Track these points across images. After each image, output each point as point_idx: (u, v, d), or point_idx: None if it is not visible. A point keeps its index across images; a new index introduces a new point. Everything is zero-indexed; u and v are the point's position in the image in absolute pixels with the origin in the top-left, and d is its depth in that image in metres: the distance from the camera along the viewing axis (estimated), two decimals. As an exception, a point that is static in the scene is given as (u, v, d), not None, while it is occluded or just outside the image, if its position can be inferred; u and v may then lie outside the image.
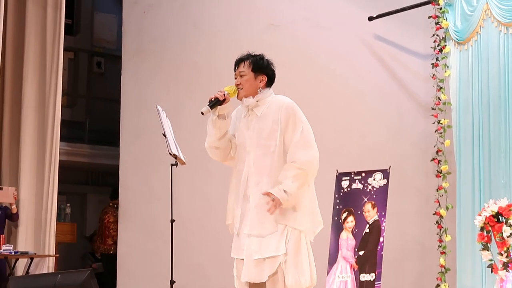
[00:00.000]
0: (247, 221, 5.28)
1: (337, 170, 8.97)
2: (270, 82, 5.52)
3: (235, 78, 5.51)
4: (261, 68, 5.47)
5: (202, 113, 5.42)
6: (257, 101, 5.40)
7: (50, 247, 10.52)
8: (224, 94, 5.35)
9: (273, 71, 5.56)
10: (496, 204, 9.44)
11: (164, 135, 7.09)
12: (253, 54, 5.55)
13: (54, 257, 10.70)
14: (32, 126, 10.80)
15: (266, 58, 5.56)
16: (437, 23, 10.78)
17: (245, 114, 5.47)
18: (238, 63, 5.52)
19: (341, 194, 9.03)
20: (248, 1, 11.49)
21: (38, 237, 10.58)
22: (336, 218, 9.01)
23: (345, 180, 9.00)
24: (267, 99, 5.42)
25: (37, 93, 10.87)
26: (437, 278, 10.17)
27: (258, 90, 5.44)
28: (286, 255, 5.12)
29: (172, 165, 7.19)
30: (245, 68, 5.46)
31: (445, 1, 10.74)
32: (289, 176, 5.13)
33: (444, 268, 10.26)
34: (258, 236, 5.19)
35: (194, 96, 11.18)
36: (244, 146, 5.44)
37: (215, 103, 5.36)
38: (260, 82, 5.45)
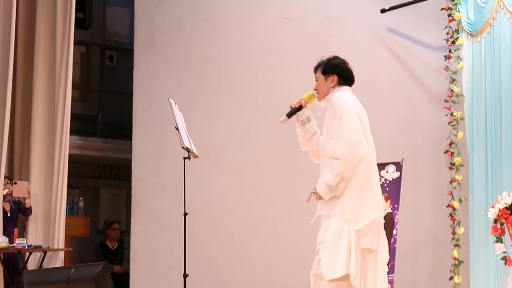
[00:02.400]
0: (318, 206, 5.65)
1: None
2: (343, 80, 5.60)
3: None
4: (330, 69, 5.58)
5: (281, 122, 5.60)
6: (327, 103, 5.52)
7: (60, 241, 10.55)
8: (300, 102, 5.50)
9: (344, 68, 5.65)
10: (509, 196, 9.44)
11: (177, 128, 7.10)
12: (324, 59, 5.66)
13: (66, 251, 10.73)
14: (42, 119, 10.81)
15: (338, 58, 5.66)
16: (449, 15, 10.77)
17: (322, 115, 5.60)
18: (314, 70, 5.70)
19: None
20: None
21: (48, 231, 10.60)
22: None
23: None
24: (333, 98, 5.49)
25: (47, 86, 10.88)
26: (450, 271, 10.18)
27: (330, 90, 5.54)
28: (322, 243, 5.27)
29: (184, 158, 7.21)
30: (318, 73, 5.63)
31: (457, -6, 10.75)
32: (328, 167, 5.33)
33: (458, 260, 10.27)
34: (326, 218, 5.48)
35: (206, 89, 11.21)
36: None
37: (293, 111, 5.53)
38: (331, 82, 5.56)
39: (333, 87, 5.53)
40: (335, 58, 5.66)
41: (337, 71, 5.58)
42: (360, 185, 5.36)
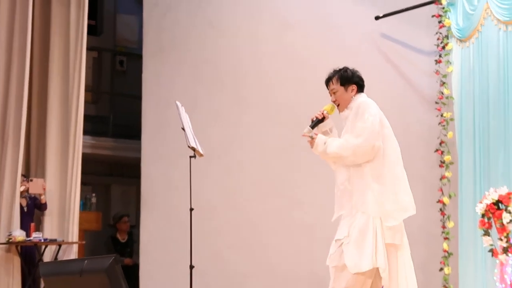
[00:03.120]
0: (336, 206, 5.63)
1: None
2: (360, 88, 5.63)
3: (330, 96, 5.65)
4: (348, 79, 5.59)
5: (306, 134, 5.54)
6: (350, 111, 5.54)
7: (74, 235, 10.57)
8: (322, 113, 5.49)
9: (360, 77, 5.68)
10: (496, 192, 9.46)
11: (183, 129, 7.13)
12: (337, 69, 5.65)
13: (80, 244, 10.76)
14: (57, 120, 10.84)
15: (350, 68, 5.67)
16: (440, 22, 10.79)
17: (345, 124, 5.60)
18: (327, 82, 5.66)
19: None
20: (264, 1, 11.51)
21: (62, 225, 10.62)
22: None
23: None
24: (355, 105, 5.53)
25: (62, 89, 10.90)
26: (440, 262, 10.20)
27: (352, 98, 5.57)
28: (348, 238, 5.24)
29: (190, 157, 7.23)
30: (334, 85, 5.60)
31: (448, 0, 10.76)
32: (338, 142, 5.40)
33: (447, 252, 10.29)
34: (346, 217, 5.45)
35: (212, 92, 11.24)
36: None
37: (316, 122, 5.51)
38: (351, 92, 5.58)
39: (354, 95, 5.56)
40: (346, 69, 5.67)
41: (355, 80, 5.61)
42: (383, 184, 5.37)
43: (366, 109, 5.40)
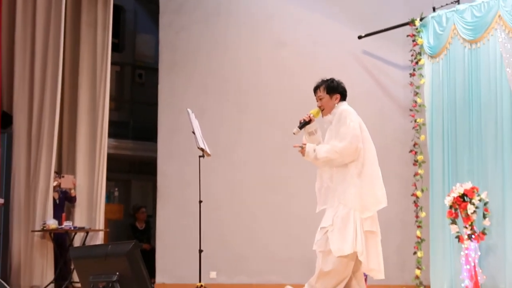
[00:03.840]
0: (321, 200, 5.64)
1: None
2: (343, 97, 5.62)
3: (317, 101, 5.61)
4: (334, 89, 5.59)
5: (294, 134, 5.52)
6: (333, 116, 5.53)
7: (100, 223, 10.58)
8: (309, 116, 5.44)
9: (344, 88, 5.67)
10: (462, 187, 9.49)
11: (193, 132, 7.13)
12: (325, 79, 5.64)
13: (104, 232, 10.77)
14: (85, 125, 10.85)
15: (335, 80, 5.65)
16: (414, 41, 10.77)
17: (327, 127, 5.59)
18: (315, 90, 5.64)
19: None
20: (262, 23, 11.49)
21: (90, 215, 10.63)
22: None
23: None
24: (338, 112, 5.53)
25: (89, 98, 10.91)
26: (414, 247, 10.19)
27: (336, 105, 5.56)
28: (332, 226, 5.22)
29: (200, 156, 7.23)
30: (321, 92, 5.58)
31: (420, 22, 10.74)
32: (326, 148, 5.37)
33: (420, 239, 10.27)
34: (330, 208, 5.45)
35: (218, 101, 11.25)
36: None
37: (303, 124, 5.49)
38: (335, 100, 5.57)
39: (337, 103, 5.54)
40: (333, 80, 5.66)
41: (339, 90, 5.60)
42: (362, 181, 5.37)
43: (348, 116, 5.42)
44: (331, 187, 5.42)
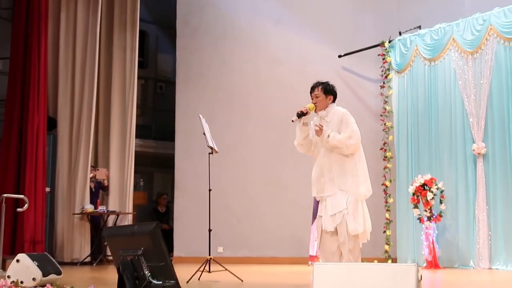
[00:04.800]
0: (320, 188, 5.34)
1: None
2: (335, 99, 5.46)
3: (312, 99, 5.44)
4: (329, 91, 5.42)
5: (293, 121, 5.35)
6: (327, 113, 5.37)
7: (129, 208, 10.59)
8: (306, 109, 5.33)
9: (336, 92, 5.50)
10: (422, 178, 9.51)
11: (204, 134, 7.12)
12: (322, 82, 5.48)
13: (132, 214, 10.77)
14: (117, 128, 10.86)
15: (330, 84, 5.49)
16: (383, 59, 10.77)
17: (318, 122, 5.39)
18: (313, 88, 5.46)
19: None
20: (261, 45, 11.47)
21: (121, 201, 10.64)
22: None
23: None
24: (332, 111, 5.39)
25: (120, 106, 10.92)
26: (384, 227, 10.18)
27: (328, 105, 5.40)
28: (347, 209, 5.10)
29: (209, 153, 7.22)
30: (318, 92, 5.40)
31: (389, 44, 10.74)
32: (340, 136, 5.19)
33: (388, 220, 10.27)
34: (328, 197, 5.24)
35: (225, 108, 11.26)
36: (318, 142, 5.38)
37: (300, 115, 5.30)
38: (329, 100, 5.41)
39: (330, 103, 5.42)
40: (329, 83, 5.49)
41: (333, 92, 5.44)
42: (358, 172, 5.27)
43: (351, 119, 5.32)
44: (329, 177, 5.30)
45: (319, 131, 5.19)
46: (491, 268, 8.93)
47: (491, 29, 9.37)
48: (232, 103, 11.33)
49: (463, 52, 9.67)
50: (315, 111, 5.39)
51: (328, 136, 5.18)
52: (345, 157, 5.26)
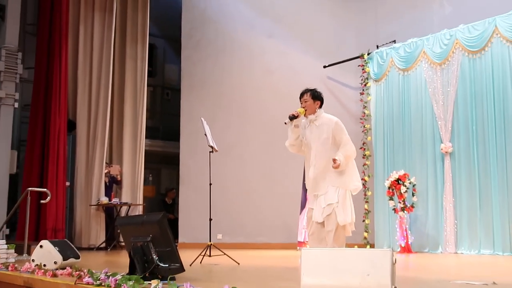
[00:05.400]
0: (313, 186, 5.26)
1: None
2: (321, 105, 5.37)
3: (301, 104, 5.34)
4: (317, 96, 5.33)
5: (285, 123, 5.29)
6: (316, 117, 5.30)
7: (139, 200, 10.58)
8: (297, 112, 5.28)
9: (323, 98, 5.40)
10: (397, 173, 9.51)
11: (205, 135, 7.11)
12: (310, 88, 5.39)
13: (142, 206, 10.75)
14: (129, 129, 10.85)
15: (318, 90, 5.40)
16: (363, 69, 10.79)
17: (308, 125, 5.34)
18: (302, 94, 5.37)
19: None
20: (256, 57, 11.48)
21: (132, 194, 10.63)
22: (304, 182, 9.01)
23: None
24: (321, 115, 5.31)
25: (132, 110, 10.91)
26: (363, 216, 10.20)
27: (316, 110, 5.31)
28: (337, 203, 5.07)
29: (210, 152, 7.22)
30: (307, 97, 5.31)
31: (367, 56, 10.75)
32: (343, 154, 5.09)
33: (367, 210, 10.29)
34: (322, 194, 5.17)
35: (225, 112, 11.25)
36: (309, 143, 5.31)
37: (292, 117, 5.24)
38: (317, 105, 5.32)
39: (318, 108, 5.34)
40: (317, 90, 5.41)
41: (321, 98, 5.35)
42: (352, 170, 5.25)
43: (343, 127, 5.27)
44: (324, 176, 5.18)
45: (337, 166, 5.11)
46: (456, 253, 8.96)
47: (457, 43, 9.39)
48: (231, 108, 11.33)
49: (432, 63, 9.69)
50: (305, 115, 5.35)
51: (340, 160, 5.12)
52: (333, 151, 5.23)
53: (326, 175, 5.19)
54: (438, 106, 9.53)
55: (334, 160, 5.05)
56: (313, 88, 5.44)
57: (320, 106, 5.37)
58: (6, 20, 9.56)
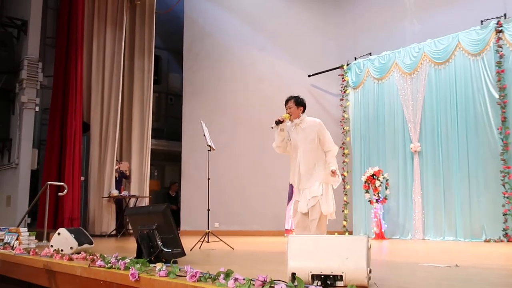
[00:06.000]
0: (301, 182, 5.20)
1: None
2: (304, 110, 5.30)
3: (286, 110, 5.28)
4: (300, 103, 5.26)
5: (272, 127, 5.20)
6: (300, 121, 5.24)
7: (146, 192, 10.53)
8: (283, 118, 5.24)
9: (305, 103, 5.32)
10: (372, 169, 9.54)
11: (204, 135, 7.10)
12: (294, 96, 5.31)
13: (148, 198, 10.72)
14: (137, 130, 10.79)
15: (300, 97, 5.33)
16: (343, 78, 10.83)
17: (294, 128, 5.28)
18: (287, 101, 5.30)
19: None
20: (249, 66, 11.49)
21: (140, 187, 10.57)
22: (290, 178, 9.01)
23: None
24: (305, 119, 5.26)
25: (139, 114, 10.86)
26: (342, 207, 10.23)
27: (300, 114, 5.25)
28: (322, 195, 5.04)
29: (208, 150, 7.21)
30: (291, 104, 5.24)
31: (347, 66, 10.79)
32: (332, 159, 5.08)
33: (346, 202, 10.32)
34: (307, 188, 5.12)
35: (221, 115, 11.23)
36: (296, 144, 5.25)
37: (278, 122, 5.15)
38: (300, 110, 5.26)
39: (301, 113, 5.29)
40: (299, 96, 5.33)
41: (303, 104, 5.28)
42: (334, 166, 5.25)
43: (325, 128, 5.22)
44: (312, 173, 5.13)
45: (334, 174, 5.06)
46: (424, 239, 9.01)
47: (424, 55, 9.44)
48: (226, 112, 11.32)
49: (403, 73, 9.74)
50: (290, 119, 5.34)
51: (333, 166, 5.07)
52: (323, 156, 5.22)
53: (313, 172, 5.16)
54: (408, 110, 9.57)
55: (333, 172, 5.04)
56: (296, 95, 5.42)
57: (303, 111, 5.32)
58: (28, 34, 9.52)
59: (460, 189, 8.63)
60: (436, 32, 9.39)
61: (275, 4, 11.78)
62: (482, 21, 8.69)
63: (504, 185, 8.04)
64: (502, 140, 8.15)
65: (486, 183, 8.34)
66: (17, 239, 5.47)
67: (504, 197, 8.03)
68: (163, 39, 13.67)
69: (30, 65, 9.45)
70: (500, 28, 8.39)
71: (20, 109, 9.47)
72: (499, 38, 8.38)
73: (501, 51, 8.33)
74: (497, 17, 8.52)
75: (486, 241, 8.09)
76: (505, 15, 8.48)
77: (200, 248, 6.24)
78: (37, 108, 9.56)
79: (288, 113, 5.28)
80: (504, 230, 7.96)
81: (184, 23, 11.68)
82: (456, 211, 8.64)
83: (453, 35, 9.04)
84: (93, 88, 10.24)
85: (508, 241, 7.85)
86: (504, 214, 7.99)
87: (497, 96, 8.33)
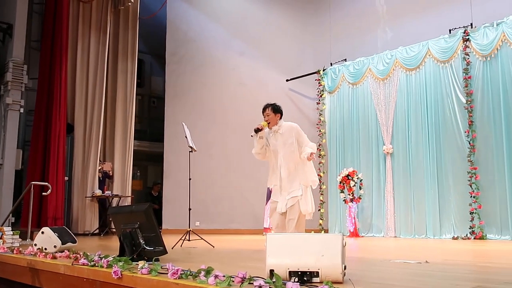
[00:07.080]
0: (282, 185, 5.18)
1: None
2: (281, 116, 5.32)
3: (264, 117, 5.29)
4: (277, 110, 5.29)
5: (252, 136, 5.22)
6: (278, 127, 5.25)
7: (129, 192, 10.44)
8: (261, 126, 5.23)
9: (282, 110, 5.35)
10: (347, 170, 9.60)
11: (186, 137, 7.07)
12: (271, 103, 5.34)
13: (131, 197, 10.63)
14: (120, 132, 10.70)
15: (277, 104, 5.35)
16: (319, 83, 10.89)
17: (272, 134, 5.28)
18: (264, 109, 5.32)
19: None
20: (230, 71, 11.49)
21: (122, 187, 10.48)
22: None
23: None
24: (282, 125, 5.27)
25: (123, 115, 10.77)
26: (318, 206, 10.27)
27: (277, 121, 5.27)
28: (301, 196, 5.06)
29: (189, 152, 7.18)
30: (269, 111, 5.27)
31: (323, 72, 10.85)
32: (309, 149, 5.06)
33: (322, 201, 10.37)
34: (288, 190, 5.13)
35: (202, 118, 11.18)
36: (276, 149, 5.25)
37: (257, 130, 5.17)
38: (277, 117, 5.28)
39: (279, 119, 5.31)
40: (276, 104, 5.36)
41: (280, 111, 5.32)
42: (310, 169, 5.22)
43: (301, 130, 5.27)
44: (293, 176, 5.15)
45: (311, 157, 5.09)
46: (396, 237, 9.10)
47: (396, 62, 9.55)
48: (208, 115, 11.28)
49: (376, 79, 9.84)
50: (269, 127, 5.36)
51: (309, 152, 5.09)
52: (301, 159, 5.24)
53: (295, 174, 5.18)
54: (381, 114, 9.67)
55: (311, 155, 5.04)
56: (273, 103, 5.43)
57: (280, 118, 5.34)
58: (13, 37, 9.38)
59: (430, 189, 8.74)
60: (408, 39, 9.51)
61: (256, 12, 11.80)
62: (450, 30, 8.84)
63: (471, 185, 8.18)
64: (469, 143, 8.29)
65: (454, 183, 8.47)
66: (1, 238, 5.37)
67: (471, 196, 8.16)
68: (146, 43, 13.58)
69: (15, 67, 9.30)
70: (467, 37, 8.54)
71: (5, 110, 9.31)
72: (466, 46, 8.53)
73: (468, 58, 8.47)
74: (464, 26, 8.67)
75: (454, 238, 8.21)
76: (471, 24, 8.64)
77: (181, 246, 6.20)
78: (21, 110, 9.41)
79: (266, 121, 5.30)
80: (471, 228, 8.09)
81: (167, 28, 11.62)
82: (426, 210, 8.75)
83: (423, 43, 9.17)
84: (77, 90, 10.12)
85: (474, 238, 7.98)
86: (471, 213, 8.12)
87: (464, 101, 8.47)
